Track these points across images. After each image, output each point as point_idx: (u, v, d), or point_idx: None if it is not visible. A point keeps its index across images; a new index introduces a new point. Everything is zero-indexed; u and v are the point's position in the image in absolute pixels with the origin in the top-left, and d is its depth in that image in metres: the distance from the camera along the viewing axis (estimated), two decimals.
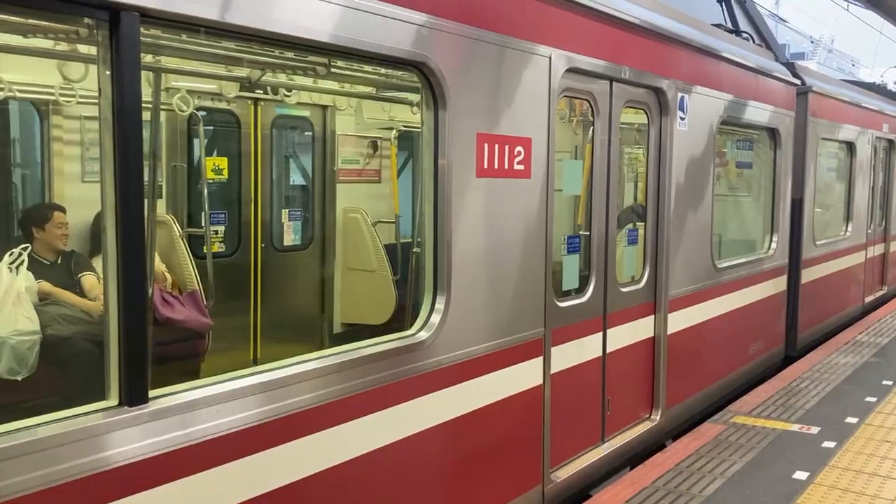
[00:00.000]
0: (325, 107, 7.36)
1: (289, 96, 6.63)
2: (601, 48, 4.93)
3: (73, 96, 5.13)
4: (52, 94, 5.20)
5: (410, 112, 7.25)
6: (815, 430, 6.14)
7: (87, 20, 2.75)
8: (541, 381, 4.55)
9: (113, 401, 2.60)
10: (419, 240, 6.09)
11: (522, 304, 4.36)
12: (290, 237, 7.37)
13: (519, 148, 4.23)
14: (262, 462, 2.97)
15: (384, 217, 7.54)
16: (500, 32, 4.06)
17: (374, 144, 7.91)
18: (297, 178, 7.75)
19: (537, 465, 4.60)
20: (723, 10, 11.05)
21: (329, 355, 3.35)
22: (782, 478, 5.19)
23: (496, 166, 4.08)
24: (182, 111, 5.57)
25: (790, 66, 8.54)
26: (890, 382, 7.42)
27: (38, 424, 2.44)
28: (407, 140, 7.89)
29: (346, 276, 7.56)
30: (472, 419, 4.03)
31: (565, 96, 4.73)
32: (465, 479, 4.07)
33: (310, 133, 7.46)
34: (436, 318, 3.76)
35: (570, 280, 4.95)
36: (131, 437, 2.58)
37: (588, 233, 5.11)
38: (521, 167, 4.26)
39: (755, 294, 7.52)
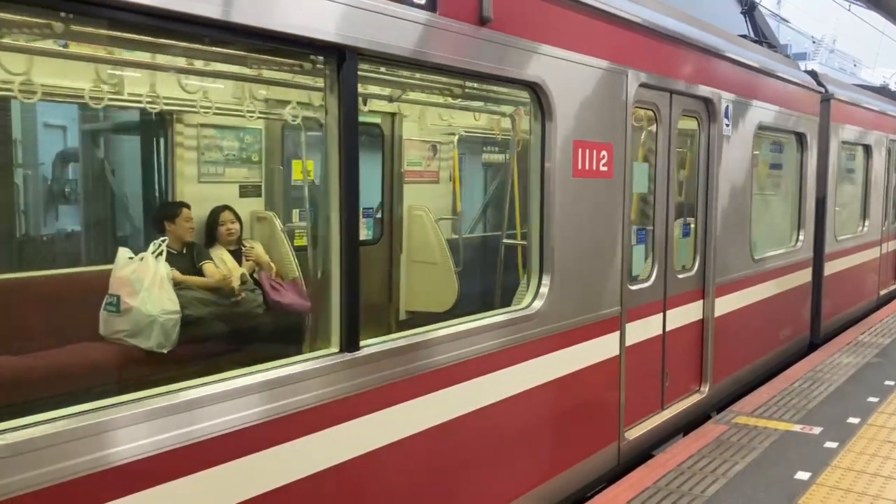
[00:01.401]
0: (392, 114, 8.19)
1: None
2: (664, 65, 5.78)
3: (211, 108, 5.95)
4: (176, 106, 6.02)
5: (473, 118, 8.09)
6: (817, 430, 6.20)
7: (315, 57, 3.58)
8: (618, 353, 5.39)
9: (335, 348, 3.44)
10: (510, 231, 6.94)
11: (605, 285, 5.20)
12: (363, 232, 8.19)
13: (603, 152, 5.07)
14: (435, 399, 3.81)
15: (442, 214, 8.36)
16: (592, 55, 4.90)
17: (434, 148, 8.75)
18: (370, 179, 8.58)
19: (615, 424, 5.44)
20: (746, 22, 11.95)
21: (474, 320, 4.19)
22: (784, 478, 5.23)
23: (587, 168, 4.92)
24: (294, 120, 6.41)
25: (814, 75, 9.39)
26: (892, 383, 7.49)
27: (273, 367, 3.26)
28: (466, 144, 8.72)
29: (411, 268, 8.38)
30: (568, 381, 4.87)
31: (636, 107, 5.57)
32: (563, 431, 4.91)
33: (380, 138, 8.29)
34: (543, 293, 4.60)
35: (639, 266, 5.79)
36: (348, 376, 3.42)
37: (651, 227, 5.96)
38: (605, 168, 5.11)
39: (785, 284, 8.37)
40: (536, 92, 4.50)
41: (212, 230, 6.29)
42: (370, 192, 8.60)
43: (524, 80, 4.35)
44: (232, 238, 6.26)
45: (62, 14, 3.19)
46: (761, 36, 11.48)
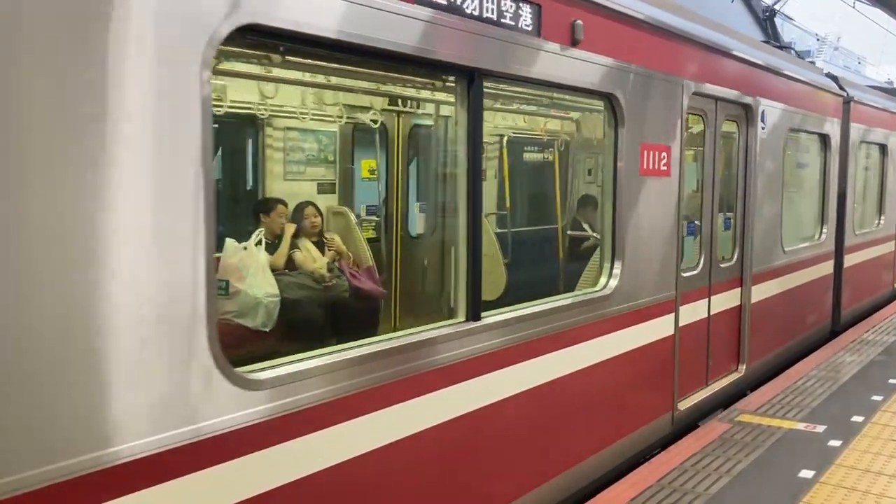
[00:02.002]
0: (446, 117, 8.89)
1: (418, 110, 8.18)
2: (712, 75, 6.48)
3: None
4: (270, 111, 6.73)
5: (522, 121, 8.80)
6: (820, 428, 6.21)
7: (448, 77, 4.28)
8: (673, 332, 6.10)
9: (461, 318, 4.15)
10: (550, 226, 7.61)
11: (664, 271, 5.91)
12: (420, 226, 8.90)
13: (664, 153, 5.78)
14: (535, 364, 4.53)
15: (491, 210, 9.07)
16: (655, 69, 5.61)
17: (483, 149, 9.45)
18: (424, 177, 9.28)
19: (670, 395, 6.15)
20: (767, 29, 12.65)
21: (564, 298, 4.90)
22: (788, 476, 5.26)
23: (650, 167, 5.63)
24: (374, 123, 7.12)
25: (835, 80, 10.09)
26: None
27: (415, 332, 3.96)
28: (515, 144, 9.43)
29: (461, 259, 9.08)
30: (635, 355, 5.58)
31: (689, 113, 6.28)
32: (630, 399, 5.63)
33: (434, 139, 8.99)
34: (616, 277, 5.31)
35: (689, 256, 6.50)
36: (472, 342, 4.13)
37: (698, 220, 6.67)
38: (665, 168, 5.82)
39: (811, 275, 9.08)
40: (611, 101, 5.21)
41: (297, 223, 6.98)
42: (425, 188, 9.32)
43: (603, 92, 5.06)
44: (315, 230, 6.93)
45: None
46: (780, 41, 12.20)
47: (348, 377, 3.42)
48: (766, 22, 12.44)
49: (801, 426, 6.29)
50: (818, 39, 53.75)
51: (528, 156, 10.57)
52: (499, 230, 8.96)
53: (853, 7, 20.27)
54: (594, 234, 6.13)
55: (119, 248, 2.53)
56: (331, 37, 3.27)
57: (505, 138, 9.05)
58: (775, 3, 12.92)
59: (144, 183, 2.61)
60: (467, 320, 4.14)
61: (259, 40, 3.29)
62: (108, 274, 2.50)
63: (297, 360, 3.25)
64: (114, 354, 2.54)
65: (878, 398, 7.02)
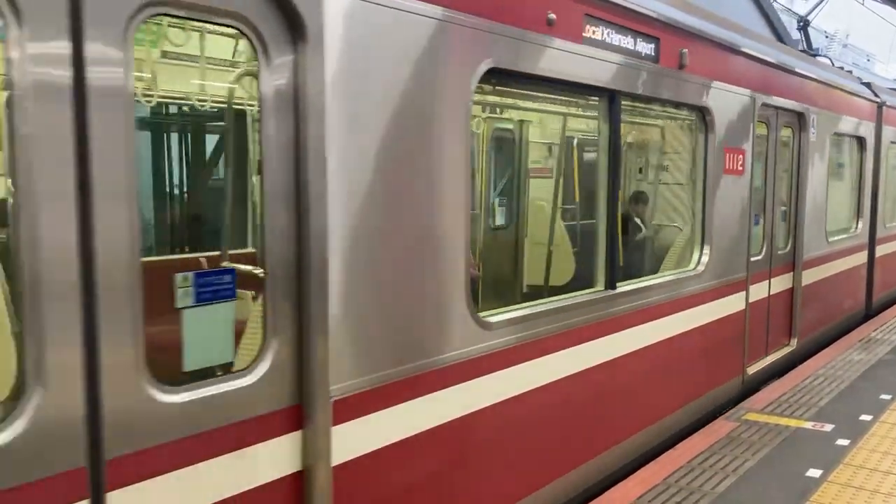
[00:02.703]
0: (522, 121, 10.01)
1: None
2: (775, 88, 7.61)
3: None
4: None
5: (586, 125, 9.92)
6: (828, 427, 6.26)
7: (594, 97, 5.43)
8: (744, 307, 7.24)
9: (601, 287, 5.29)
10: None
11: (738, 255, 7.05)
12: (499, 219, 10.04)
13: (740, 155, 6.91)
14: (652, 326, 5.68)
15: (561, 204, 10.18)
16: (736, 84, 6.74)
17: (550, 149, 10.58)
18: (502, 174, 10.42)
19: (740, 361, 7.30)
20: (801, 38, 13.74)
21: (669, 275, 6.04)
22: (795, 475, 5.29)
23: (731, 167, 6.76)
24: (476, 129, 8.24)
25: (869, 86, 11.22)
26: None
27: (570, 296, 5.09)
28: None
29: (534, 249, 10.22)
30: (715, 325, 6.72)
31: (757, 121, 7.41)
32: (712, 361, 6.77)
33: (513, 141, 10.12)
34: (705, 259, 6.44)
35: (755, 243, 7.64)
36: (610, 304, 5.26)
37: (761, 213, 7.80)
38: (741, 168, 6.95)
39: (849, 263, 10.22)
40: (703, 113, 6.34)
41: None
42: (503, 185, 10.45)
43: (699, 105, 6.20)
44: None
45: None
46: (811, 47, 13.31)
47: (539, 325, 4.57)
48: (801, 31, 13.52)
49: (808, 425, 6.32)
50: (827, 37, 54.37)
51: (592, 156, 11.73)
52: (568, 223, 10.08)
53: (862, 4, 21.08)
54: (676, 225, 7.27)
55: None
56: (529, 72, 4.42)
57: (576, 140, 10.18)
58: (808, 14, 14.01)
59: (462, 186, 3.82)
60: (606, 289, 5.29)
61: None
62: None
63: (509, 311, 4.41)
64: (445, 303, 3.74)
65: (887, 397, 7.07)
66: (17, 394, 2.42)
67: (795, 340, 8.62)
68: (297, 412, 3.21)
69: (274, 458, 3.13)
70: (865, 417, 6.50)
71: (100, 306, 2.51)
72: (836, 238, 9.75)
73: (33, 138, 2.36)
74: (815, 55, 11.56)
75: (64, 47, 2.41)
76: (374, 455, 3.48)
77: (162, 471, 2.73)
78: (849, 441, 5.95)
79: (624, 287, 5.44)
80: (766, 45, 7.60)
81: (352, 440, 3.37)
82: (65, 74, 2.41)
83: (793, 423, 6.37)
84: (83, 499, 2.50)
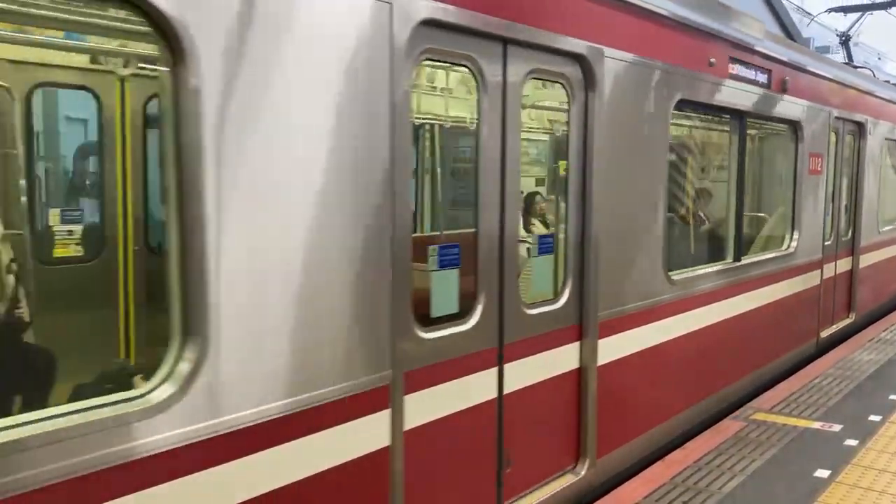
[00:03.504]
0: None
1: None
2: (844, 103, 9.34)
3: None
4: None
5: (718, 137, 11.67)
6: (837, 427, 6.28)
7: (729, 115, 7.14)
8: (819, 283, 8.98)
9: (731, 259, 7.01)
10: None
11: (816, 239, 8.78)
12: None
13: (819, 159, 8.64)
14: (758, 292, 7.41)
15: None
16: (818, 102, 8.47)
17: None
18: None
19: (816, 326, 9.04)
20: (842, 51, 15.37)
21: (772, 253, 7.78)
22: (803, 475, 5.29)
23: (814, 169, 8.49)
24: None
25: None
26: None
27: (701, 268, 6.81)
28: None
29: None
30: (800, 296, 8.45)
31: (833, 133, 9.15)
32: (796, 324, 8.51)
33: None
34: (795, 241, 8.17)
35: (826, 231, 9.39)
36: (735, 274, 6.98)
37: (830, 205, 9.54)
38: (821, 169, 8.68)
39: (893, 251, 11.95)
40: (796, 126, 8.06)
41: (528, 206, 9.84)
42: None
43: (793, 120, 7.92)
44: (542, 212, 9.80)
45: None
46: (853, 60, 14.98)
47: (698, 284, 6.31)
48: (843, 46, 15.17)
49: (817, 425, 6.34)
50: (838, 35, 55.49)
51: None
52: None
53: (873, 2, 22.42)
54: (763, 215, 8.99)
55: None
56: (699, 101, 6.15)
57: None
58: (850, 29, 15.69)
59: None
60: (733, 261, 7.02)
61: None
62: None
63: (682, 273, 6.15)
64: (653, 266, 5.46)
65: None
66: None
67: (854, 314, 10.35)
68: (577, 329, 4.94)
69: (569, 357, 4.88)
70: (874, 418, 6.52)
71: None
72: (885, 228, 11.48)
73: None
74: (855, 67, 13.23)
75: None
76: (618, 361, 5.23)
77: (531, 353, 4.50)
78: (857, 441, 5.97)
79: (746, 260, 7.18)
80: (837, 68, 9.33)
81: (607, 350, 5.11)
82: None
83: (801, 423, 6.42)
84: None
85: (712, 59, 6.18)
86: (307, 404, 3.15)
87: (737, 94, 6.69)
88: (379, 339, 3.48)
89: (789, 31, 25.23)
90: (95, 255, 5.74)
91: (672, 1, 5.67)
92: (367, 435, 3.44)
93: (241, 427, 2.91)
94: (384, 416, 3.52)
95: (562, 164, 4.96)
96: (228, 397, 2.87)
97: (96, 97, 5.64)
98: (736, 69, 6.60)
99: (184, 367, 2.74)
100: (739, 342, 7.08)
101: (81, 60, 5.59)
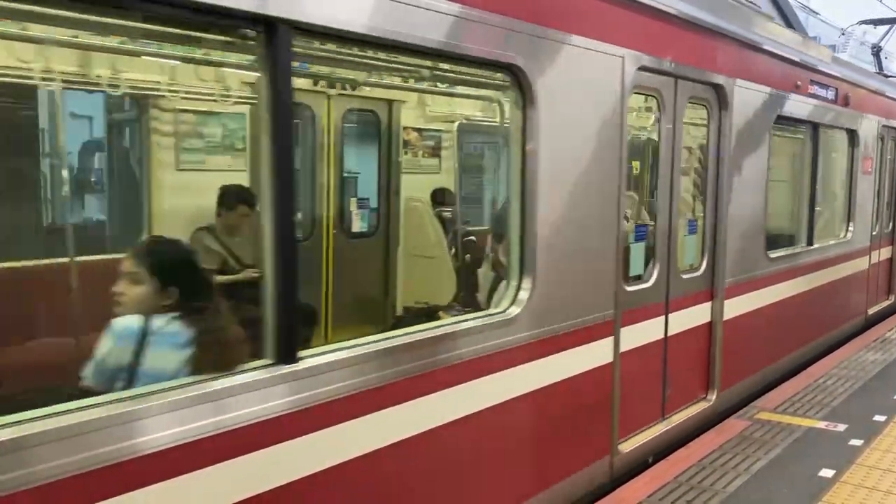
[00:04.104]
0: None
1: None
2: (888, 112, 10.92)
3: None
4: None
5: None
6: (841, 427, 6.27)
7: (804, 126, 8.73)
8: (867, 267, 10.56)
9: (804, 243, 8.60)
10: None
11: (865, 229, 10.35)
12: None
13: (870, 161, 10.23)
14: (830, 272, 9.02)
15: None
16: (871, 113, 10.06)
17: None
18: None
19: (865, 305, 10.64)
20: (874, 62, 16.87)
21: (834, 240, 9.38)
22: (807, 475, 5.29)
23: (865, 170, 10.07)
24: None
25: None
26: None
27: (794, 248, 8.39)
28: None
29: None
30: (849, 279, 9.96)
31: (879, 139, 10.74)
32: (852, 300, 10.11)
33: None
34: (850, 231, 9.75)
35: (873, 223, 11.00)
36: (808, 256, 8.57)
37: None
38: (870, 170, 10.27)
39: None
40: (853, 134, 9.65)
41: None
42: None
43: (851, 129, 9.51)
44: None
45: None
46: (883, 68, 16.51)
47: (780, 264, 7.88)
48: (875, 57, 16.68)
49: (821, 425, 6.35)
50: (843, 34, 56.35)
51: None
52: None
53: (881, 1, 22.40)
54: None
55: None
56: (789, 115, 7.71)
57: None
58: (881, 40, 17.21)
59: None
60: (806, 245, 8.60)
61: None
62: None
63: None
64: (758, 245, 7.06)
65: None
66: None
67: (893, 296, 11.98)
68: (709, 292, 6.53)
69: (703, 313, 6.47)
70: (879, 418, 6.53)
71: None
72: None
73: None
74: (887, 76, 14.76)
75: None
76: (736, 317, 6.81)
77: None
78: (862, 441, 5.97)
79: (817, 244, 8.78)
80: (883, 82, 10.94)
81: (729, 309, 6.69)
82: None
83: (805, 422, 6.41)
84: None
85: (798, 83, 7.76)
86: (574, 327, 4.77)
87: (813, 108, 8.27)
88: (610, 287, 5.09)
89: (795, 30, 26.28)
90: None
91: (774, 38, 7.27)
92: (601, 353, 5.05)
93: (545, 337, 4.52)
94: (610, 340, 5.13)
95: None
96: (541, 317, 4.47)
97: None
98: (812, 88, 8.18)
99: (523, 294, 4.35)
100: (813, 310, 8.68)
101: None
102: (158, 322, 3.19)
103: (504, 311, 4.30)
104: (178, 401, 2.75)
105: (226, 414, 2.88)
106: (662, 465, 5.53)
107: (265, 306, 3.11)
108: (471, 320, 4.13)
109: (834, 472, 5.37)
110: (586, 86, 4.77)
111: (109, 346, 3.15)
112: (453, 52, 3.82)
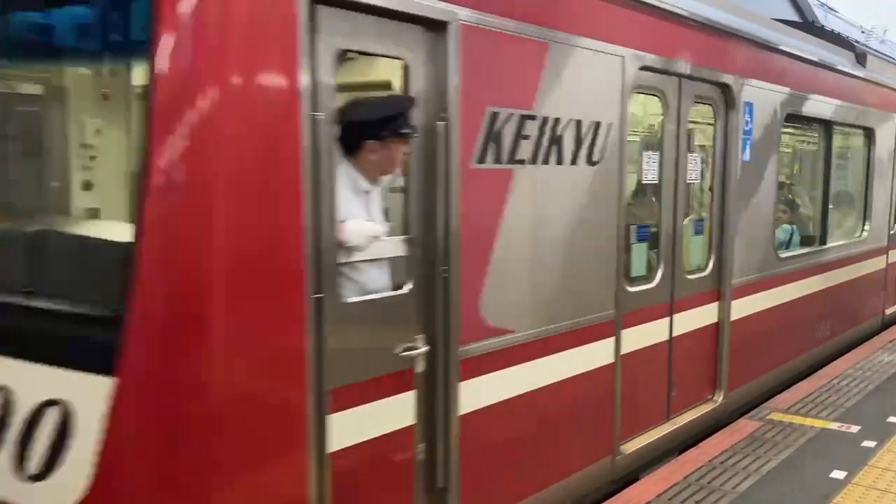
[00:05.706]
0: None
1: None
2: None
3: None
4: None
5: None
6: (854, 428, 6.20)
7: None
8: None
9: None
10: None
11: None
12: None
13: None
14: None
15: None
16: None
17: None
18: None
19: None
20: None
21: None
22: (819, 477, 5.24)
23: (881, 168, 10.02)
24: None
25: None
26: None
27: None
28: None
29: None
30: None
31: None
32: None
33: None
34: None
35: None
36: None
37: None
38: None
39: None
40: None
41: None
42: None
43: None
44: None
45: None
46: None
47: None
48: None
49: (834, 426, 6.29)
50: (863, 32, 55.53)
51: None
52: None
53: None
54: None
55: None
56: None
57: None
58: None
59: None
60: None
61: None
62: None
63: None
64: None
65: None
66: None
67: None
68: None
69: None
70: (893, 419, 6.49)
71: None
72: None
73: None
74: None
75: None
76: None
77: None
78: (875, 443, 5.91)
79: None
80: None
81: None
82: None
83: (818, 423, 6.36)
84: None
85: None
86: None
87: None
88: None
89: (805, 16, 26.00)
90: None
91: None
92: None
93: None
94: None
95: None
96: None
97: None
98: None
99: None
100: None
101: None
102: None
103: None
104: None
105: None
106: (672, 466, 5.54)
107: None
108: None
109: (846, 473, 5.35)
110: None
111: None
112: None
